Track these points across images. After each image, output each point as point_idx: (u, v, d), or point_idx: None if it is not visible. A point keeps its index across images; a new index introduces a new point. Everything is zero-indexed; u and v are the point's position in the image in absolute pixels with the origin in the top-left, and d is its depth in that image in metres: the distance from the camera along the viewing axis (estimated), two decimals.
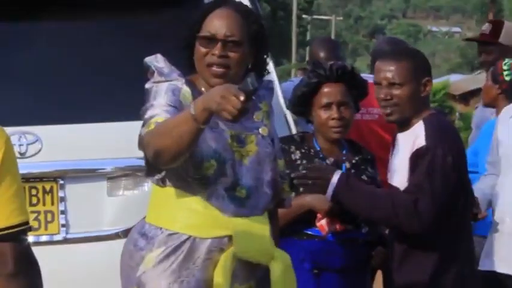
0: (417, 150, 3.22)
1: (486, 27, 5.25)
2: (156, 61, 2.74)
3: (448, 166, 3.18)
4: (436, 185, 3.16)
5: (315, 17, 57.73)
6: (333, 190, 3.18)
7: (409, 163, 3.24)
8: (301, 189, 3.30)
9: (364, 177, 3.49)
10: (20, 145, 3.54)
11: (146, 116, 2.63)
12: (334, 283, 3.37)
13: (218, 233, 2.69)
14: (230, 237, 2.70)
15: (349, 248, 3.38)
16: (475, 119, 5.23)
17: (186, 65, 2.80)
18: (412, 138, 3.27)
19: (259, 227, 2.75)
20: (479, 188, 3.82)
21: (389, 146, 3.53)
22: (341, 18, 66.84)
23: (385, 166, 3.53)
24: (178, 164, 2.60)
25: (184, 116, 2.48)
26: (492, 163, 3.96)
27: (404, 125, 3.34)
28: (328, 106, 3.43)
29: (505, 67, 4.44)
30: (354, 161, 3.50)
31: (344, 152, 3.52)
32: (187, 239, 2.68)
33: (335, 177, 3.19)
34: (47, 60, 3.82)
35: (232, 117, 2.38)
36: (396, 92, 3.29)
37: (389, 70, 3.31)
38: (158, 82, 2.70)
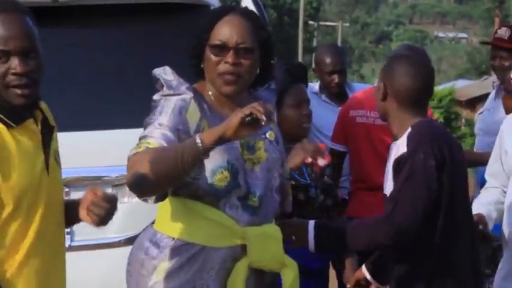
0: (398, 157, 3.17)
1: (504, 32, 5.05)
2: (165, 73, 2.68)
3: (430, 169, 3.07)
4: (416, 190, 3.07)
5: (322, 23, 57.75)
6: (314, 245, 3.07)
7: (392, 171, 3.20)
8: None
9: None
10: None
11: (142, 134, 2.56)
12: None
13: (232, 243, 2.67)
14: (243, 246, 2.68)
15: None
16: (481, 124, 5.10)
17: (193, 72, 2.77)
18: (398, 145, 3.22)
19: (272, 236, 2.74)
20: (482, 203, 3.60)
21: None
22: (347, 24, 66.80)
23: None
24: (156, 194, 2.55)
25: (189, 144, 2.38)
26: (494, 175, 3.73)
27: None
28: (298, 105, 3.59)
29: None
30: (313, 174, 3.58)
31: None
32: (201, 248, 2.65)
33: (310, 233, 3.07)
34: (53, 67, 3.80)
35: (266, 119, 2.29)
36: None
37: None
38: (167, 95, 2.64)
